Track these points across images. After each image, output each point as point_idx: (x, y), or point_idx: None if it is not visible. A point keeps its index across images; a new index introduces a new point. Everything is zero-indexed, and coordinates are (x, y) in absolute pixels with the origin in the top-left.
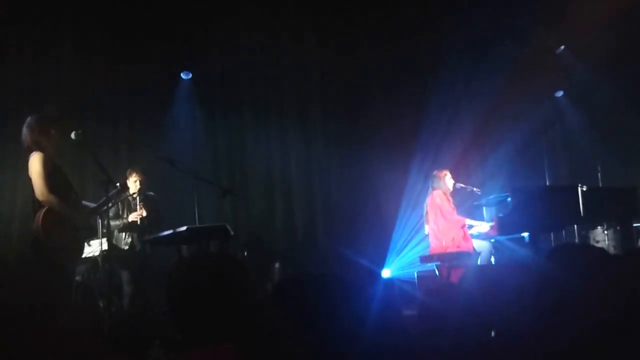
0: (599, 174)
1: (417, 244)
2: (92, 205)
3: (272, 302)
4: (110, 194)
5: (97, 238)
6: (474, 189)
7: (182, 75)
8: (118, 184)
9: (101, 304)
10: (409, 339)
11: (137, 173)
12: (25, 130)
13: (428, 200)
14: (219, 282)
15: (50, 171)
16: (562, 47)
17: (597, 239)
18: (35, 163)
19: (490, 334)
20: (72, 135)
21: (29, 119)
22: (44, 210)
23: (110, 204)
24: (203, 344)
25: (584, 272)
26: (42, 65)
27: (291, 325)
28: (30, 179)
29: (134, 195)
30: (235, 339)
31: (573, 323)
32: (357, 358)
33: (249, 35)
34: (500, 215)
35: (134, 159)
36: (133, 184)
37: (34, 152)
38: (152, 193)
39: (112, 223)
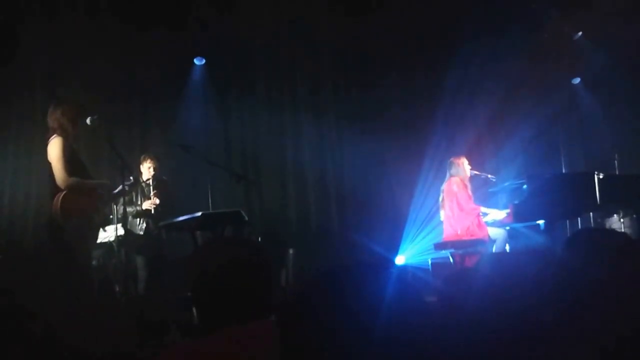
0: (616, 162)
1: (431, 231)
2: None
3: (317, 288)
4: (125, 186)
5: (113, 223)
6: (489, 175)
7: (196, 61)
8: (132, 178)
9: (117, 289)
10: (430, 325)
11: (151, 159)
12: (54, 114)
13: (445, 186)
14: (239, 266)
15: (69, 156)
16: (579, 33)
17: (614, 226)
18: (55, 147)
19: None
20: (88, 121)
21: (60, 103)
22: (62, 194)
23: (125, 195)
24: (222, 328)
25: (607, 259)
26: (56, 49)
27: (337, 312)
28: (48, 163)
29: (148, 182)
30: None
31: (598, 316)
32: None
33: (261, 20)
34: (516, 202)
35: (147, 145)
36: (147, 170)
37: (54, 136)
38: (165, 177)
39: (127, 209)
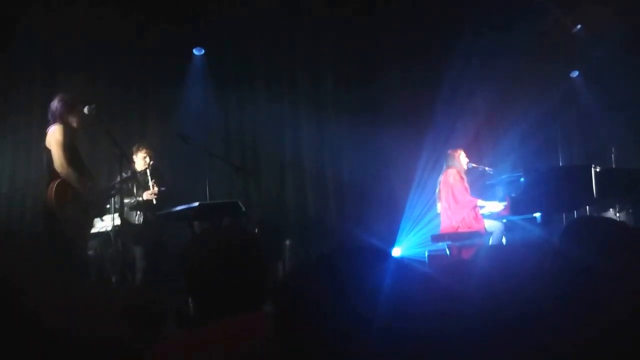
0: (613, 155)
1: (428, 223)
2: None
3: (309, 273)
4: (122, 178)
5: (110, 213)
6: (486, 168)
7: (195, 52)
8: (130, 172)
9: (113, 279)
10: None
11: (146, 149)
12: (57, 103)
13: (441, 178)
14: (231, 254)
15: (69, 146)
16: (579, 26)
17: None
18: (56, 133)
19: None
20: (85, 111)
21: (62, 96)
22: (57, 182)
23: (122, 186)
24: (217, 317)
25: (604, 248)
26: (55, 38)
27: (329, 296)
28: (47, 151)
29: (145, 171)
30: (253, 309)
31: (597, 305)
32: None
33: (261, 11)
34: (513, 195)
35: (145, 135)
36: (142, 160)
37: (54, 124)
38: (158, 167)
39: (125, 201)
